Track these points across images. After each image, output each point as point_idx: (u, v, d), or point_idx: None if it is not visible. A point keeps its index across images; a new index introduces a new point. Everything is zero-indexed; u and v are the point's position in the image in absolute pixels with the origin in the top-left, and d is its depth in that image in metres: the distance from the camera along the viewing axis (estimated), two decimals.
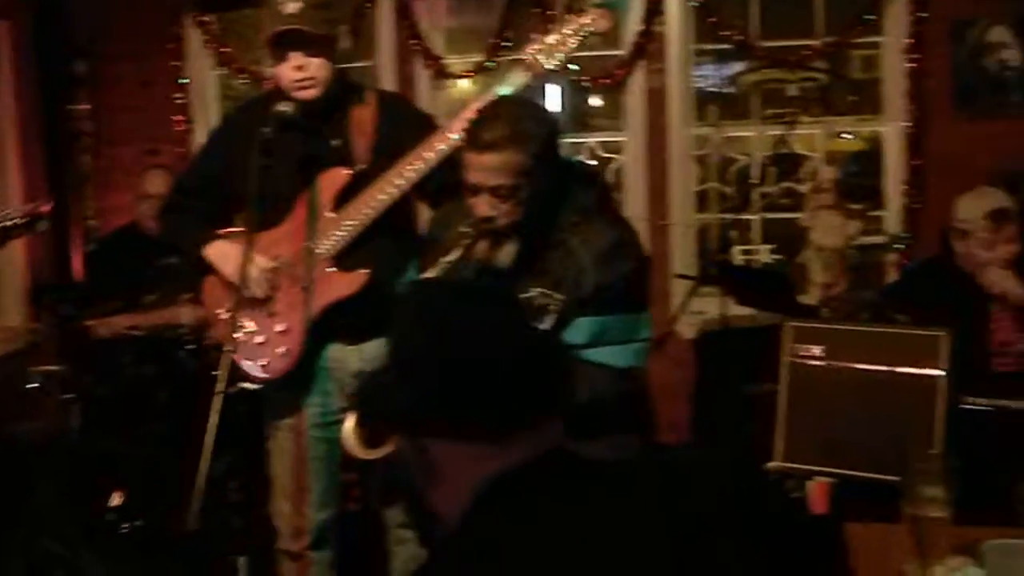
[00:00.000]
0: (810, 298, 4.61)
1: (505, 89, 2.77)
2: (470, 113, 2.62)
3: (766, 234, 5.40)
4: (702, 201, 5.42)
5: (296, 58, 2.85)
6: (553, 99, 5.46)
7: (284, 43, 2.84)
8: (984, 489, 2.35)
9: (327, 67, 2.89)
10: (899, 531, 1.97)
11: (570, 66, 2.91)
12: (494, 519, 1.31)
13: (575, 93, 5.46)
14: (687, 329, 4.95)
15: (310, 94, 2.88)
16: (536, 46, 2.77)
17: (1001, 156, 4.72)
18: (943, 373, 2.69)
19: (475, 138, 2.48)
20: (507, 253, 2.58)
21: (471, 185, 2.51)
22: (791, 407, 2.99)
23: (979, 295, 3.55)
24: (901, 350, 2.87)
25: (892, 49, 5.10)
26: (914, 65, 4.99)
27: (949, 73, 4.99)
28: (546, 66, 2.74)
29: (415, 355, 1.39)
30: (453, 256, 2.52)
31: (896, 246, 4.96)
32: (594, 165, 5.11)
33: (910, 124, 5.01)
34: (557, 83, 5.29)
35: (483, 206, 2.51)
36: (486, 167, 2.46)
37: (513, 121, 2.46)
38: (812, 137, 5.30)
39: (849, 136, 5.33)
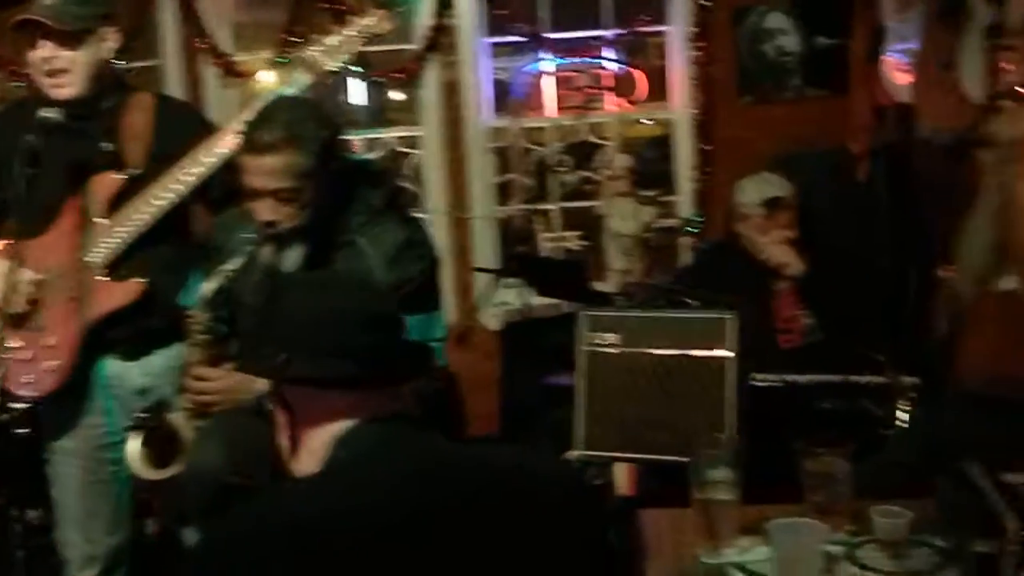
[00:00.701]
0: (609, 285, 4.69)
1: (284, 90, 2.70)
2: (247, 115, 2.54)
3: (566, 223, 5.47)
4: (503, 193, 5.43)
5: (44, 47, 2.71)
6: (356, 95, 5.39)
7: (27, 30, 2.70)
8: (776, 464, 2.41)
9: (83, 63, 2.75)
10: (690, 514, 2.00)
11: (353, 68, 2.86)
12: (339, 467, 1.52)
13: (375, 88, 5.40)
14: (492, 321, 4.96)
15: (66, 92, 2.74)
16: (317, 47, 2.71)
17: (781, 139, 4.90)
18: (731, 354, 2.75)
19: (252, 141, 2.40)
20: (293, 257, 2.51)
21: (251, 189, 2.43)
22: (589, 395, 3.01)
23: (762, 274, 3.67)
24: (692, 334, 2.92)
25: (678, 38, 5.23)
26: (699, 53, 5.13)
27: (732, 60, 5.15)
28: (327, 67, 2.68)
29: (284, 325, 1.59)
30: (236, 263, 2.44)
31: (689, 229, 5.10)
32: (383, 164, 5.05)
33: (697, 110, 5.15)
34: (358, 78, 5.22)
35: (265, 210, 2.43)
36: (265, 170, 2.39)
37: (291, 122, 2.40)
38: (606, 125, 5.39)
39: (650, 122, 5.43)
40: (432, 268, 2.68)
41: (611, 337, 3.00)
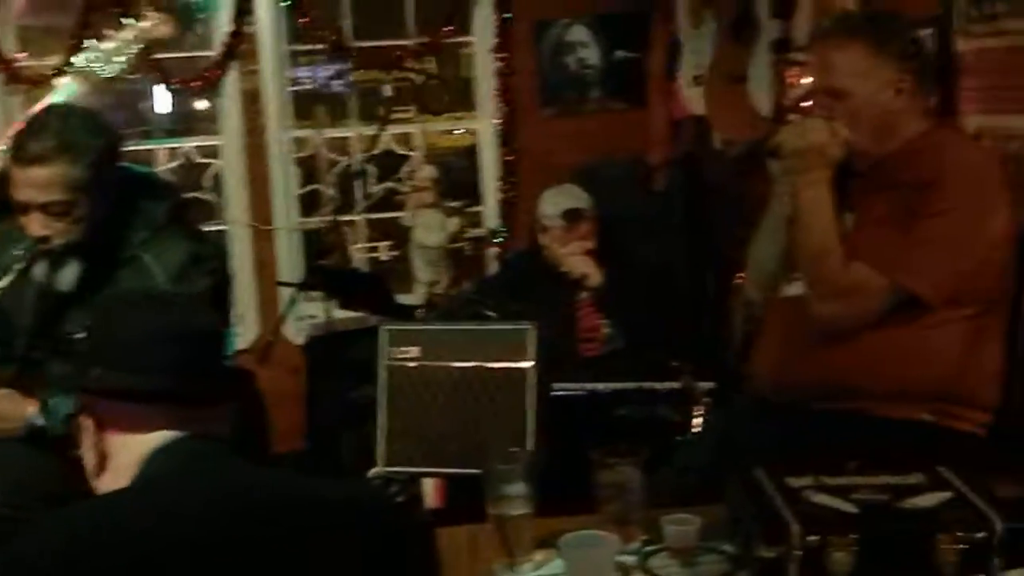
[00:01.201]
0: (415, 296, 4.65)
1: (57, 98, 2.55)
2: (18, 125, 2.39)
3: (373, 235, 5.40)
4: (308, 204, 5.32)
5: None
6: (160, 103, 5.19)
7: None
8: (578, 474, 2.41)
9: None
10: (486, 530, 1.98)
11: (130, 75, 2.74)
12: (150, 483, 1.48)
13: (178, 97, 5.21)
14: (296, 335, 4.85)
15: None
16: (92, 53, 2.58)
17: (583, 150, 4.97)
18: (531, 365, 2.74)
19: (21, 152, 2.26)
20: (70, 275, 2.37)
21: (20, 203, 2.28)
22: (390, 411, 2.95)
23: (564, 285, 3.71)
24: (492, 346, 2.90)
25: (481, 48, 5.25)
26: (502, 64, 5.16)
27: (534, 71, 5.20)
28: (102, 74, 2.55)
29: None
30: (5, 281, 2.28)
31: (495, 240, 5.11)
32: (168, 175, 4.88)
33: (501, 121, 5.18)
34: (154, 85, 5.04)
35: (35, 225, 2.29)
36: (34, 182, 2.24)
37: (62, 132, 2.26)
38: (411, 136, 5.35)
39: (461, 131, 5.43)
40: (222, 284, 2.58)
41: (411, 351, 2.96)
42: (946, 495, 1.79)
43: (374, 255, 5.36)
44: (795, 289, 2.34)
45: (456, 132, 5.49)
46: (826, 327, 2.20)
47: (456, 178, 5.53)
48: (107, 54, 2.56)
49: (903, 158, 2.24)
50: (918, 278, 2.12)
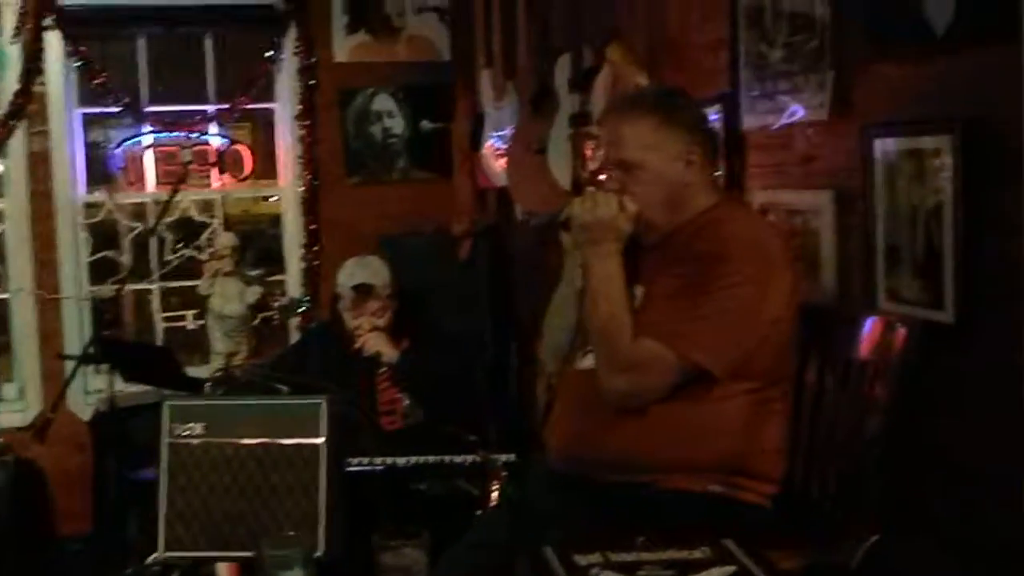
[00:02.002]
0: (210, 369, 4.47)
1: None
2: None
3: (172, 304, 5.20)
4: (99, 272, 5.08)
5: None
6: None
7: None
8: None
9: None
10: None
11: None
12: None
13: None
14: (83, 411, 4.60)
15: None
16: None
17: (386, 219, 4.94)
18: (323, 440, 2.65)
19: None
20: None
21: None
22: (174, 491, 2.79)
23: (364, 357, 3.63)
24: (283, 421, 2.79)
25: (285, 115, 5.16)
26: (306, 132, 5.08)
27: (339, 139, 5.15)
28: None
29: None
30: None
31: (298, 310, 4.99)
32: None
33: (305, 189, 5.09)
34: None
35: None
36: None
37: None
38: (212, 203, 5.20)
39: (275, 198, 5.30)
40: None
41: (196, 427, 2.82)
42: (729, 569, 1.78)
43: (181, 324, 5.16)
44: (588, 362, 2.33)
45: (271, 200, 5.37)
46: (616, 402, 2.20)
47: (262, 246, 5.41)
48: None
49: (691, 232, 2.27)
50: (704, 352, 2.14)
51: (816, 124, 2.64)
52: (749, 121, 2.95)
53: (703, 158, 2.31)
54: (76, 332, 4.82)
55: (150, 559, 2.72)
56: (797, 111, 2.69)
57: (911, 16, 2.25)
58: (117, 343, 4.07)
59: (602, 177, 2.39)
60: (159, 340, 5.04)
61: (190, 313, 5.16)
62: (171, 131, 5.05)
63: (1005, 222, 2.05)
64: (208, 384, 3.46)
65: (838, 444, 2.26)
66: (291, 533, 2.11)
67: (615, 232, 2.26)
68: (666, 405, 2.18)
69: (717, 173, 3.01)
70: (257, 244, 5.43)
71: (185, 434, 2.83)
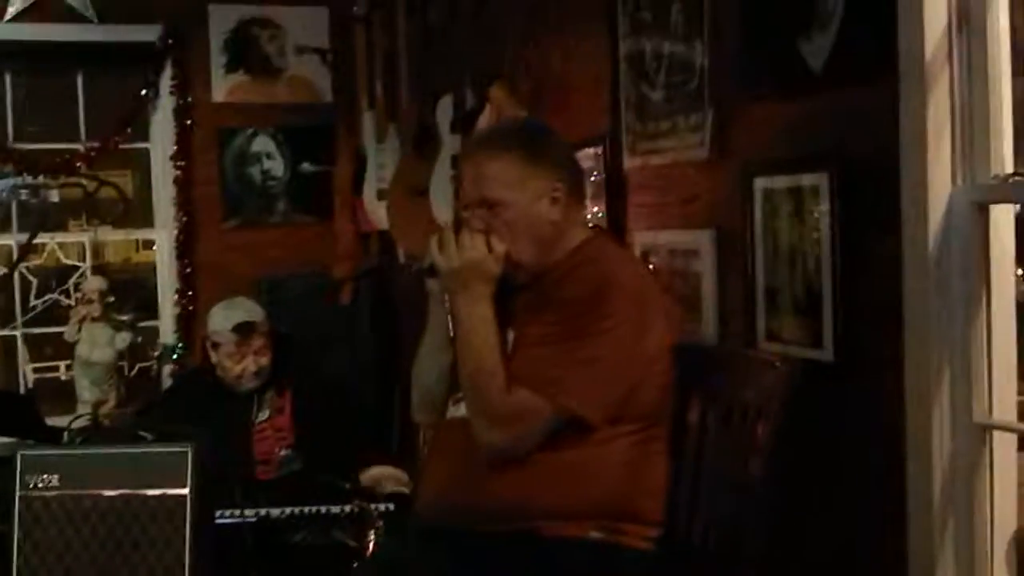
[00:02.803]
0: (74, 418, 4.26)
1: None
2: None
3: (39, 353, 4.98)
4: None
5: None
6: None
7: None
8: None
9: None
10: None
11: None
12: None
13: None
14: None
15: None
16: None
17: (265, 263, 4.81)
18: (187, 491, 2.51)
19: None
20: None
21: None
22: (28, 549, 2.62)
23: (239, 403, 3.50)
24: (146, 471, 2.65)
25: (159, 156, 5.01)
26: (180, 173, 4.93)
27: (216, 181, 5.01)
28: None
29: None
30: None
31: (172, 357, 4.81)
32: None
33: (179, 231, 4.93)
34: None
35: None
36: None
37: None
38: (80, 247, 5.01)
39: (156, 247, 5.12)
40: None
41: (52, 479, 2.66)
42: None
43: (54, 375, 4.93)
44: (461, 410, 2.24)
45: (153, 248, 5.18)
46: (491, 456, 2.11)
47: (141, 296, 5.20)
48: None
49: (561, 273, 2.20)
50: (580, 400, 2.07)
51: (696, 163, 2.62)
52: (630, 161, 2.93)
53: (568, 196, 2.24)
54: None
55: None
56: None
57: (788, 54, 2.25)
58: None
59: (466, 215, 2.29)
60: (25, 389, 4.80)
61: (63, 364, 4.94)
62: (39, 171, 4.84)
63: (882, 260, 2.05)
64: (67, 433, 3.28)
65: (721, 486, 2.21)
66: None
67: (484, 275, 2.17)
68: (544, 451, 2.10)
69: (594, 211, 2.99)
70: (137, 294, 5.23)
71: (40, 486, 2.67)
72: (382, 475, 3.25)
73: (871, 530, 2.12)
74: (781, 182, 2.33)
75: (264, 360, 3.50)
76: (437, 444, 2.36)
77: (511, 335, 2.19)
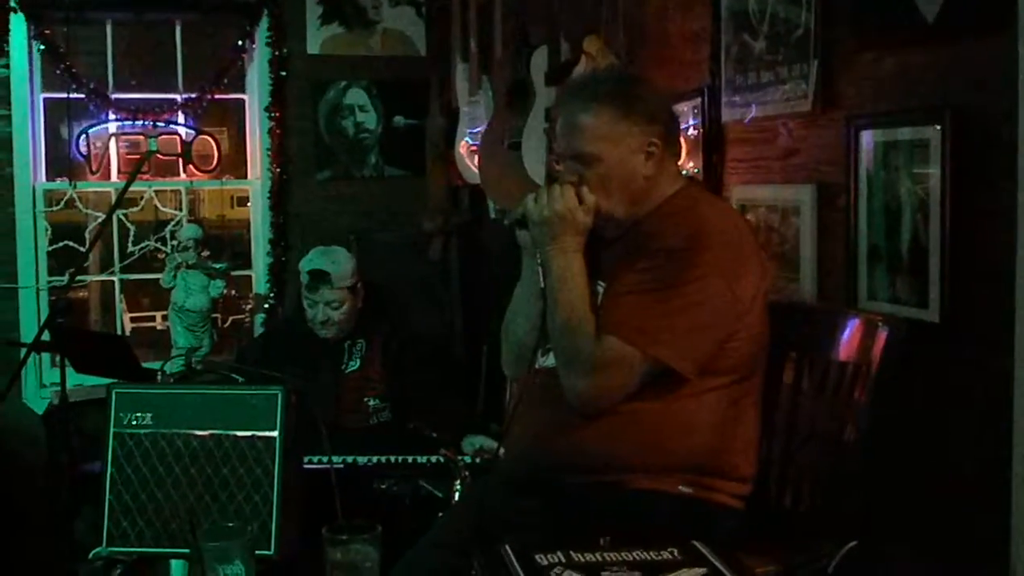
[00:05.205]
0: (171, 362, 4.34)
1: None
2: None
3: (137, 304, 5.08)
4: (60, 262, 4.95)
5: None
6: None
7: None
8: None
9: None
10: None
11: None
12: None
13: None
14: (37, 403, 4.46)
15: None
16: None
17: (356, 215, 4.83)
18: (277, 433, 2.53)
19: None
20: None
21: None
22: (120, 484, 2.66)
23: (331, 354, 3.52)
24: (237, 412, 2.67)
25: (255, 107, 5.05)
26: (276, 124, 4.96)
27: (309, 133, 5.03)
28: None
29: None
30: None
31: (265, 304, 4.87)
32: None
33: (273, 182, 4.97)
34: None
35: None
36: None
37: None
38: (177, 195, 5.08)
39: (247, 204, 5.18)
40: None
41: (145, 417, 2.70)
42: (700, 571, 1.68)
43: (150, 324, 5.04)
44: (549, 361, 2.21)
45: (245, 205, 5.24)
46: (579, 404, 2.08)
47: (236, 251, 5.27)
48: None
49: (654, 224, 2.16)
50: (672, 350, 2.03)
51: (799, 116, 2.55)
52: (729, 114, 2.86)
53: (663, 149, 2.18)
54: (33, 323, 4.67)
55: (92, 554, 2.60)
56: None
57: (900, 2, 2.16)
58: (69, 331, 3.92)
59: (558, 168, 2.26)
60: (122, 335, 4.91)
61: (159, 314, 5.04)
62: (137, 120, 4.91)
63: (995, 216, 1.97)
64: (161, 375, 3.33)
65: (815, 447, 2.15)
66: (230, 524, 1.98)
67: (574, 226, 2.14)
68: (633, 402, 2.07)
69: (691, 166, 2.93)
70: (230, 247, 5.30)
71: (133, 423, 2.71)
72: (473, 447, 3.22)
73: (974, 493, 2.05)
74: (889, 135, 2.24)
75: (335, 314, 3.50)
76: (526, 395, 2.34)
77: (601, 287, 2.16)
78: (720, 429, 2.09)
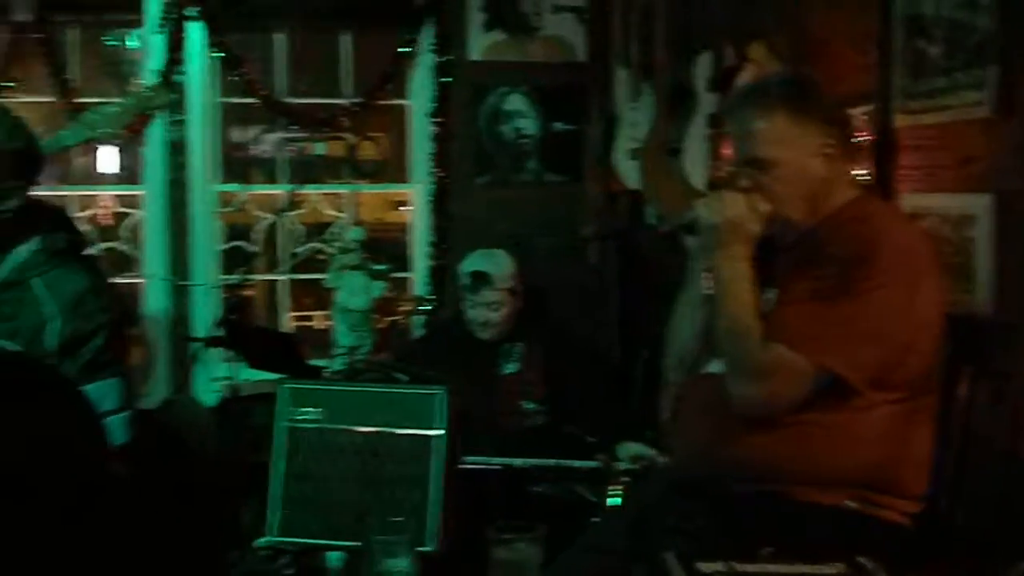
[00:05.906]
0: (336, 361, 4.47)
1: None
2: None
3: (300, 304, 5.24)
4: (231, 262, 5.14)
5: None
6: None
7: None
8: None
9: None
10: None
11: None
12: None
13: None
14: (207, 396, 4.63)
15: None
16: (96, 115, 2.53)
17: (515, 220, 4.86)
18: (439, 432, 2.58)
19: None
20: None
21: None
22: (288, 475, 2.76)
23: (487, 354, 3.56)
24: (400, 410, 2.74)
25: (418, 112, 5.15)
26: (439, 129, 5.05)
27: (471, 138, 5.10)
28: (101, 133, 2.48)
29: None
30: None
31: (422, 307, 4.95)
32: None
33: (436, 186, 5.05)
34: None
35: None
36: None
37: None
38: (339, 197, 5.22)
39: (407, 208, 5.29)
40: (117, 324, 2.42)
41: (313, 412, 2.78)
42: None
43: (309, 323, 5.18)
44: (717, 366, 2.19)
45: (402, 209, 5.35)
46: (745, 410, 2.06)
47: (393, 254, 5.38)
48: (109, 117, 2.50)
49: (830, 231, 2.13)
50: (842, 359, 1.99)
51: (976, 122, 2.46)
52: (901, 120, 2.78)
53: (840, 150, 2.15)
54: (205, 319, 4.87)
55: (259, 542, 2.69)
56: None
57: None
58: (241, 328, 4.08)
59: (732, 173, 2.25)
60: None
61: (317, 314, 5.18)
62: (306, 125, 5.07)
63: None
64: (326, 371, 3.43)
65: (990, 464, 2.08)
66: (399, 519, 2.03)
67: (744, 234, 2.13)
68: (802, 412, 2.04)
69: (860, 172, 2.86)
70: (390, 250, 5.40)
71: (301, 418, 2.80)
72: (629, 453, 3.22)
73: None
74: None
75: (495, 315, 3.54)
76: (690, 400, 2.33)
77: (771, 295, 2.13)
78: (891, 445, 2.04)
